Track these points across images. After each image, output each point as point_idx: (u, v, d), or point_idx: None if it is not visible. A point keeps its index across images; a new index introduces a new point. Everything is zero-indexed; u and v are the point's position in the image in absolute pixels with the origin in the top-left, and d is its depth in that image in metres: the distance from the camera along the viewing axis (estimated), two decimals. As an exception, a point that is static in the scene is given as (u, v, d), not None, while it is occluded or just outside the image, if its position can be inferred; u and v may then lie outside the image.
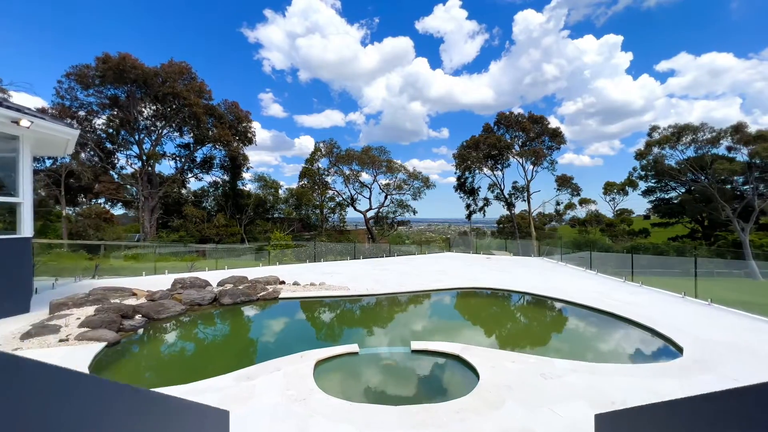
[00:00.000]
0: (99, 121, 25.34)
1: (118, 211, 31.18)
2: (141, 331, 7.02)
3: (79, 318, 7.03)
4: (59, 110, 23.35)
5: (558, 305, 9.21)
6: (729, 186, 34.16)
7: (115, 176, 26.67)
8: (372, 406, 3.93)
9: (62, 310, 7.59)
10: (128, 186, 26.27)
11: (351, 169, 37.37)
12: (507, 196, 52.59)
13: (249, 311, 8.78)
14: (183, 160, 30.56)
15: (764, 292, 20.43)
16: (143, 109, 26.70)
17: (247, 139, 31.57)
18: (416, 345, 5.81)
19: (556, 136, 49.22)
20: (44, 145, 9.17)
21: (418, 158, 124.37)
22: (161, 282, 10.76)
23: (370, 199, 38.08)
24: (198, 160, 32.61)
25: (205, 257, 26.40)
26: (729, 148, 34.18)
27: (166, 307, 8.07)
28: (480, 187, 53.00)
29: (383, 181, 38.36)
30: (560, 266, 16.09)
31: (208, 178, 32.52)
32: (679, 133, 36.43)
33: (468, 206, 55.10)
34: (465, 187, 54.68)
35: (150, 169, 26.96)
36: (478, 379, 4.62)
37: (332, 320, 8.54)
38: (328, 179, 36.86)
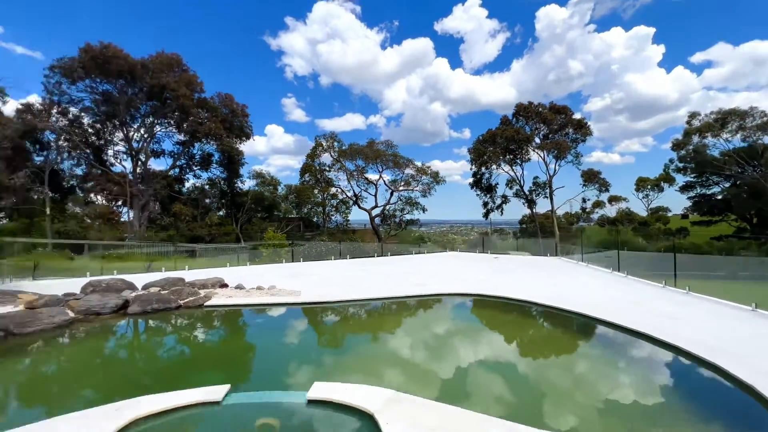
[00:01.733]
0: (87, 118, 24.50)
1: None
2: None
3: None
4: (47, 106, 22.67)
5: (563, 320, 6.64)
6: (785, 178, 29.69)
7: (98, 172, 25.72)
8: None
9: None
10: (116, 183, 25.30)
11: (356, 165, 35.37)
12: (527, 193, 49.21)
13: (144, 324, 6.80)
14: (180, 156, 29.55)
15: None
16: (137, 104, 25.74)
17: (244, 134, 30.17)
18: (317, 391, 3.56)
19: (581, 127, 45.42)
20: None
21: (440, 159, 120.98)
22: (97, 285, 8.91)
23: (375, 196, 35.87)
24: (197, 157, 31.57)
25: (195, 257, 25.01)
26: (785, 135, 29.74)
27: (40, 318, 6.17)
28: (497, 184, 49.65)
29: (389, 177, 36.06)
30: (581, 267, 13.32)
31: (207, 176, 31.49)
32: (723, 119, 32.16)
33: (485, 204, 52.07)
34: (481, 184, 51.63)
35: (141, 165, 25.96)
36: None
37: (239, 339, 6.51)
38: (332, 175, 35.04)
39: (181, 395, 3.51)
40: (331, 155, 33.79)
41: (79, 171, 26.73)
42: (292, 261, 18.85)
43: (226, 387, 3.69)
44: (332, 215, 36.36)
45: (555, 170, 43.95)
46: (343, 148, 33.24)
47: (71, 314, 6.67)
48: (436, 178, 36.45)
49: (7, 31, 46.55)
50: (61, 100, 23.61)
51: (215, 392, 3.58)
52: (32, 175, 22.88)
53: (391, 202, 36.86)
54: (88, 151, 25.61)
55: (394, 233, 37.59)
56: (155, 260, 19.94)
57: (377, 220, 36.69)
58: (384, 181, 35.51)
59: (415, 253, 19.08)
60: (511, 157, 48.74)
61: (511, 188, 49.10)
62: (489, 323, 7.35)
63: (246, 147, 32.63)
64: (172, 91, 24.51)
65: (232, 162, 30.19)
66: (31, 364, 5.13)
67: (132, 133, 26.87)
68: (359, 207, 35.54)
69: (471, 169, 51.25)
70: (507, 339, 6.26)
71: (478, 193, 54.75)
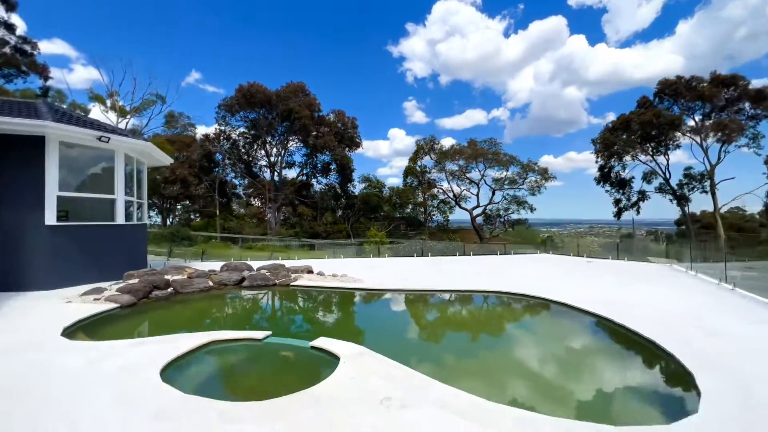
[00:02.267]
0: (241, 140, 32.22)
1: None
2: (161, 297, 8.47)
3: (128, 283, 9.02)
4: (218, 134, 30.96)
5: (561, 314, 6.44)
6: None
7: (249, 182, 33.30)
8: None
9: (129, 279, 9.89)
10: (261, 190, 32.37)
11: (459, 165, 35.68)
12: (675, 188, 40.75)
13: (251, 292, 9.63)
14: (305, 166, 35.63)
15: None
16: (275, 126, 32.39)
17: (354, 144, 34.28)
18: (318, 342, 5.11)
19: (763, 99, 35.34)
20: (145, 157, 12.22)
21: (576, 150, 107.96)
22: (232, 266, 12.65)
23: (477, 195, 35.50)
24: (319, 166, 37.34)
25: (314, 250, 29.81)
26: None
27: (192, 284, 9.49)
28: (633, 178, 42.47)
29: (493, 175, 35.15)
30: (723, 291, 11.28)
31: (326, 181, 36.96)
32: None
33: (617, 201, 45.27)
34: (610, 179, 45.01)
35: (277, 175, 32.54)
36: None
37: (295, 307, 9.07)
38: (434, 176, 36.23)
39: (240, 334, 5.54)
40: (431, 157, 35.18)
41: (237, 181, 35.19)
42: (386, 257, 20.94)
43: (268, 332, 5.57)
44: (433, 215, 37.65)
45: (720, 158, 35.46)
46: (444, 149, 34.20)
47: (210, 283, 9.91)
48: (545, 175, 33.84)
49: (203, 75, 63.79)
50: (225, 129, 31.71)
51: (259, 335, 5.49)
52: (209, 186, 31.42)
53: (495, 201, 35.89)
54: (242, 165, 33.54)
55: (496, 233, 36.48)
56: (278, 251, 24.84)
57: (480, 220, 36.27)
58: (485, 180, 34.93)
59: (500, 254, 18.78)
60: (654, 144, 41.34)
61: (649, 182, 41.61)
62: (488, 314, 8.38)
63: (372, 151, 37.54)
64: (296, 113, 29.99)
65: (344, 169, 34.70)
66: (183, 309, 8.18)
67: (271, 149, 33.85)
68: (460, 207, 35.88)
69: (596, 162, 45.40)
70: (490, 324, 7.42)
71: (608, 189, 48.23)
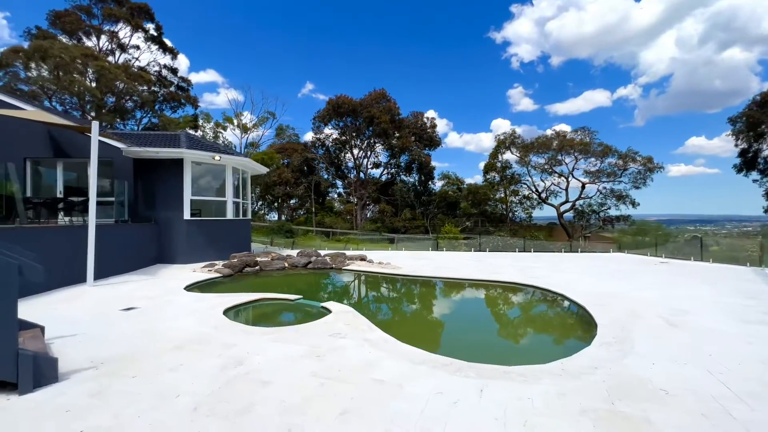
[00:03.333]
0: (332, 147, 36.75)
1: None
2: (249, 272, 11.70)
3: (230, 261, 12.55)
4: (314, 141, 36.00)
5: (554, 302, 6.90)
6: None
7: (340, 184, 37.67)
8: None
9: (232, 259, 13.56)
10: (347, 189, 36.29)
11: (546, 158, 33.66)
12: None
13: (311, 272, 12.24)
14: (389, 166, 38.38)
15: None
16: (362, 131, 36.01)
17: (434, 143, 35.46)
18: (327, 304, 7.14)
19: None
20: (247, 169, 16.10)
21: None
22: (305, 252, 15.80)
23: (566, 190, 32.86)
24: (402, 165, 39.74)
25: (393, 243, 32.27)
26: None
27: (272, 265, 12.62)
28: (794, 164, 33.61)
29: (586, 167, 32.13)
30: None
31: (408, 180, 39.10)
32: None
33: (769, 194, 36.56)
34: (756, 164, 36.47)
35: (363, 175, 35.98)
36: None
37: (334, 283, 11.36)
38: (518, 171, 34.89)
39: (281, 296, 7.93)
40: (512, 152, 34.05)
41: (331, 181, 39.98)
42: (443, 251, 21.95)
43: (299, 296, 7.84)
44: (515, 211, 36.34)
45: None
46: (527, 143, 32.73)
47: (286, 265, 12.92)
48: (648, 165, 29.58)
49: (315, 86, 73.48)
50: (320, 137, 36.56)
51: (293, 297, 7.80)
52: (306, 187, 36.80)
53: (588, 196, 32.79)
54: (333, 169, 38.16)
55: (592, 231, 33.24)
56: (360, 243, 27.82)
57: (569, 216, 33.61)
58: (573, 175, 32.20)
59: (564, 251, 17.96)
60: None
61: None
62: (485, 301, 9.25)
63: (473, 145, 38.69)
64: (377, 119, 32.80)
65: (423, 168, 36.28)
66: (259, 280, 11.17)
67: (358, 152, 37.61)
68: (545, 203, 33.81)
69: (736, 145, 37.66)
70: (459, 303, 8.70)
71: (756, 179, 39.95)
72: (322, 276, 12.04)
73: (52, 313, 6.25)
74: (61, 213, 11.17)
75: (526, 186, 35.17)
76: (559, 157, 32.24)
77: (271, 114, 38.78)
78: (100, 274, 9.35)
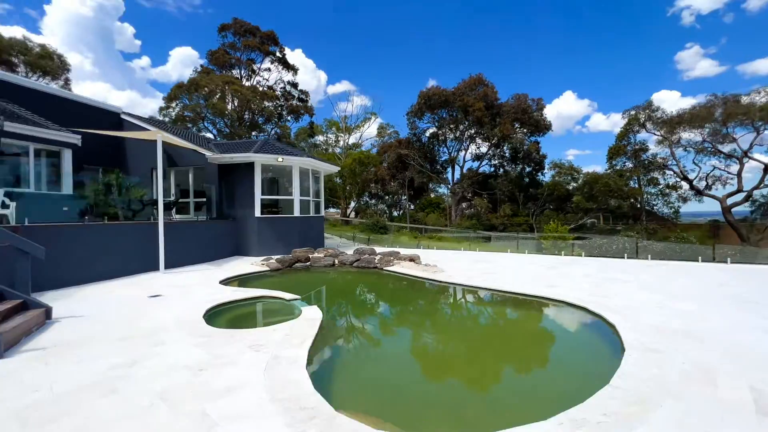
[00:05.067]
0: (427, 140, 35.74)
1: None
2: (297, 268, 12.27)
3: (284, 256, 13.40)
4: (409, 138, 35.84)
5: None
6: None
7: (435, 179, 36.18)
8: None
9: (294, 253, 14.45)
10: (441, 185, 34.69)
11: (705, 134, 25.21)
12: None
13: (353, 270, 12.00)
14: (489, 156, 35.15)
15: None
16: (458, 122, 34.07)
17: (541, 128, 30.51)
18: (312, 306, 6.80)
19: None
20: (318, 168, 16.97)
21: None
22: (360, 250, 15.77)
23: (739, 175, 23.67)
24: (507, 155, 35.97)
25: (489, 242, 29.61)
26: None
27: (323, 261, 12.93)
28: None
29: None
30: None
31: (510, 171, 34.99)
32: None
33: None
34: None
35: (459, 168, 33.94)
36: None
37: (371, 286, 10.66)
38: (660, 153, 27.00)
39: (279, 294, 7.90)
40: (647, 129, 26.61)
41: (427, 176, 39.24)
42: (525, 253, 18.75)
43: (297, 297, 7.69)
44: (654, 205, 28.45)
45: None
46: (669, 116, 24.99)
47: (336, 262, 13.07)
48: None
49: (437, 81, 74.61)
50: (415, 132, 36.16)
51: (289, 297, 7.69)
52: (400, 183, 36.96)
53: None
54: (427, 165, 37.28)
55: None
56: (451, 241, 26.35)
57: (742, 211, 24.37)
58: (749, 156, 23.05)
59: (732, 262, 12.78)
60: None
61: None
62: (505, 318, 6.45)
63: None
64: (470, 107, 30.36)
65: (527, 156, 31.90)
66: (297, 276, 11.52)
67: (452, 144, 35.74)
68: (701, 194, 25.23)
69: None
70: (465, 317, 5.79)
71: None
72: (357, 275, 11.72)
73: (98, 296, 7.68)
74: (173, 210, 14.01)
75: (672, 172, 27.02)
76: (727, 132, 23.60)
77: (372, 114, 40.52)
78: (178, 263, 11.23)
